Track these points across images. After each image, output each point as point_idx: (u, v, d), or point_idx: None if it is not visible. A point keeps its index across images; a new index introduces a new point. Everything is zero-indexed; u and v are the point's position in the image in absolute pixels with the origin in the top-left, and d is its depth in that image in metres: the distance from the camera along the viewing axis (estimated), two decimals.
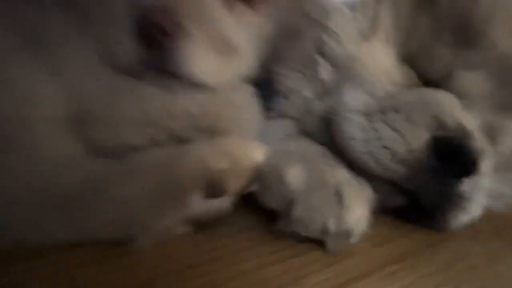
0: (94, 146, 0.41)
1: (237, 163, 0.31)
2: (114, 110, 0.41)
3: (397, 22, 0.37)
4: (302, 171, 0.32)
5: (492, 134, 0.37)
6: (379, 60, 0.37)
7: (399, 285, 0.26)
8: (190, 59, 0.39)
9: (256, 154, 0.32)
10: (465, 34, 0.35)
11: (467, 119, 0.34)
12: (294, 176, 0.32)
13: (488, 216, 0.34)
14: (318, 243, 0.30)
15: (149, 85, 0.41)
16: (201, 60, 0.40)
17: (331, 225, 0.29)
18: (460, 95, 0.36)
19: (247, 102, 0.47)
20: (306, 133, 0.43)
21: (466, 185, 0.31)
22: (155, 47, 0.37)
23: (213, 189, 0.30)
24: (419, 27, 0.37)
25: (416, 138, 0.31)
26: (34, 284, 0.25)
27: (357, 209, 0.30)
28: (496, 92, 0.36)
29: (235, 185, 0.31)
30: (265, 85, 0.49)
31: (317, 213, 0.29)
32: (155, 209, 0.29)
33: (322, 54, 0.39)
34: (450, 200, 0.31)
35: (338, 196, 0.30)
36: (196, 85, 0.43)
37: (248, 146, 0.33)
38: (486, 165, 0.33)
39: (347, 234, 0.29)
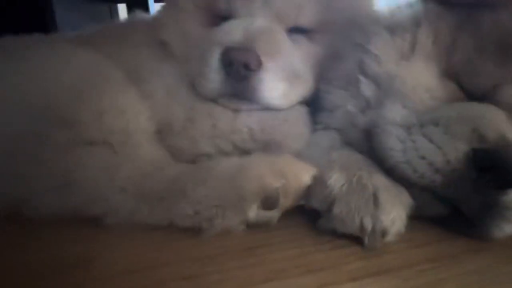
0: (175, 153, 0.53)
1: (289, 183, 0.37)
2: (191, 125, 0.53)
3: (437, 42, 0.40)
4: (343, 176, 0.37)
5: None
6: (419, 77, 0.40)
7: (426, 280, 0.28)
8: (266, 88, 0.49)
9: (305, 176, 0.38)
10: (510, 49, 0.36)
11: None
12: (336, 180, 0.37)
13: None
14: (356, 240, 0.34)
15: (218, 106, 0.52)
16: (274, 88, 0.50)
17: (367, 223, 0.33)
18: (508, 109, 0.37)
19: (298, 118, 0.54)
20: (349, 144, 0.47)
21: (509, 196, 0.32)
22: (239, 79, 0.47)
23: (268, 203, 0.37)
24: (461, 45, 0.39)
25: (454, 150, 0.34)
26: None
27: (392, 211, 0.33)
28: None
29: (286, 201, 0.38)
30: (313, 101, 0.55)
31: (355, 212, 0.34)
32: (221, 210, 0.36)
33: (364, 73, 0.44)
34: (492, 210, 0.32)
35: (375, 198, 0.34)
36: (267, 108, 0.51)
37: (299, 167, 0.39)
38: None
39: (382, 232, 0.33)
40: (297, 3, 0.50)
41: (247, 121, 0.52)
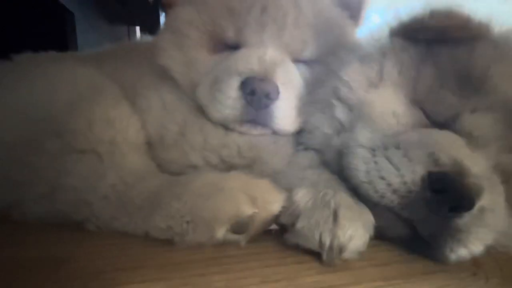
0: (165, 164, 0.56)
1: (260, 212, 0.38)
2: (182, 138, 0.56)
3: (403, 72, 0.43)
4: (309, 193, 0.39)
5: (508, 175, 0.38)
6: (387, 103, 0.43)
7: None
8: (282, 115, 0.52)
9: (276, 206, 0.39)
10: (468, 81, 0.39)
11: (471, 158, 0.36)
12: (302, 197, 0.39)
13: (493, 253, 0.34)
14: (317, 255, 0.35)
15: (210, 122, 0.55)
16: (288, 115, 0.52)
17: (325, 238, 0.34)
18: (468, 136, 0.39)
19: (286, 140, 0.57)
20: (326, 164, 0.50)
21: (462, 219, 0.33)
22: (260, 108, 0.49)
23: (238, 228, 0.38)
24: (424, 76, 0.42)
25: (411, 172, 0.35)
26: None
27: (350, 228, 0.35)
28: (506, 135, 0.37)
29: (254, 228, 0.39)
30: None
31: (316, 228, 0.35)
32: (192, 226, 0.38)
33: (338, 98, 0.47)
34: (446, 232, 0.34)
35: (335, 215, 0.36)
36: (277, 132, 0.54)
37: (272, 196, 0.40)
38: (490, 201, 0.34)
39: (339, 248, 0.34)
40: (303, 39, 0.54)
41: (237, 138, 0.55)
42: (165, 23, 0.59)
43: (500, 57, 0.37)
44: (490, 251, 0.35)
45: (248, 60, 0.51)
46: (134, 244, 0.40)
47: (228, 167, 0.56)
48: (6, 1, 1.27)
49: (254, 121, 0.52)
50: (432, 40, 0.42)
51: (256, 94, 0.49)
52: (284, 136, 0.55)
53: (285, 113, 0.52)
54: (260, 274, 0.33)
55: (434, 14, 0.40)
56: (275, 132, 0.54)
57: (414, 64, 0.43)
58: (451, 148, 0.36)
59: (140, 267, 0.35)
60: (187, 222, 0.39)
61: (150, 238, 0.40)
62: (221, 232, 0.38)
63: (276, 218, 0.40)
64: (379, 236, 0.38)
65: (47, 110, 0.49)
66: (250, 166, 0.56)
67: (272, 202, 0.39)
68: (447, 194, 0.33)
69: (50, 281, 0.32)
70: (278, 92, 0.50)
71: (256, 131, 0.54)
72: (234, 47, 0.55)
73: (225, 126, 0.54)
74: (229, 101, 0.50)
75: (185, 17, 0.56)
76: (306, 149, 0.55)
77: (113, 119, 0.50)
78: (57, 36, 1.56)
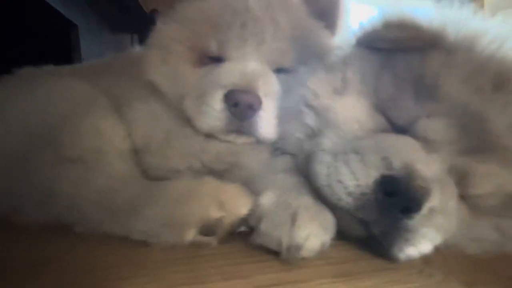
0: (150, 170, 0.60)
1: (227, 216, 0.41)
2: (167, 145, 0.60)
3: (364, 80, 0.45)
4: (273, 196, 0.42)
5: (462, 177, 0.40)
6: (350, 110, 0.45)
7: None
8: (264, 124, 0.54)
9: (243, 209, 0.42)
10: (423, 88, 0.41)
11: (424, 161, 0.38)
12: (266, 199, 0.42)
13: (443, 251, 0.36)
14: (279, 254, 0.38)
15: (192, 129, 0.58)
16: (270, 124, 0.55)
17: (284, 238, 0.37)
18: (424, 140, 0.41)
19: (260, 144, 0.59)
20: (299, 167, 0.52)
21: (411, 220, 0.35)
22: (243, 118, 0.52)
23: (206, 231, 0.41)
24: (384, 83, 0.44)
25: (365, 176, 0.38)
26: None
27: (307, 229, 0.37)
28: (460, 138, 0.39)
29: (222, 231, 0.42)
30: None
31: (275, 229, 0.38)
32: (166, 229, 0.41)
33: (306, 105, 0.50)
34: (394, 232, 0.36)
35: (293, 216, 0.38)
36: (261, 141, 0.56)
37: (240, 201, 0.43)
38: (440, 203, 0.36)
39: (296, 247, 0.37)
40: (282, 49, 0.57)
41: (217, 144, 0.59)
42: (151, 40, 0.62)
43: (450, 64, 0.39)
44: (440, 249, 0.37)
45: (231, 74, 0.54)
46: (118, 244, 0.43)
47: (209, 171, 0.59)
48: (12, 16, 1.34)
49: (239, 131, 0.55)
50: (390, 48, 0.44)
51: (239, 105, 0.52)
52: (262, 143, 0.58)
53: (268, 122, 0.54)
54: (223, 272, 0.36)
55: (387, 25, 0.42)
56: (259, 140, 0.57)
57: (374, 72, 0.45)
58: (405, 152, 0.38)
59: (123, 265, 0.38)
60: (162, 225, 0.42)
61: (131, 239, 0.44)
62: (191, 234, 0.41)
63: (243, 221, 0.43)
64: (343, 236, 0.41)
65: (42, 123, 0.53)
66: (229, 170, 0.60)
67: (240, 206, 0.42)
68: (396, 197, 0.35)
69: (39, 280, 0.36)
70: (260, 103, 0.53)
71: (241, 140, 0.57)
72: (218, 60, 0.58)
73: (212, 136, 0.57)
74: (214, 113, 0.53)
75: (170, 34, 0.59)
76: (282, 154, 0.57)
77: (100, 129, 0.54)
78: (62, 48, 1.63)
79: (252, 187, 0.47)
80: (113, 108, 0.60)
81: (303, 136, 0.51)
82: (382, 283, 0.33)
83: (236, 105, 0.51)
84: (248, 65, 0.55)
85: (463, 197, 0.42)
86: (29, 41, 1.35)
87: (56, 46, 1.54)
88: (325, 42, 0.60)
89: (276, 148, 0.58)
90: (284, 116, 0.56)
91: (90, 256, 0.41)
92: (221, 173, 0.60)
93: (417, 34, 0.41)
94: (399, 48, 0.42)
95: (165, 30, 0.60)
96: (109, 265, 0.38)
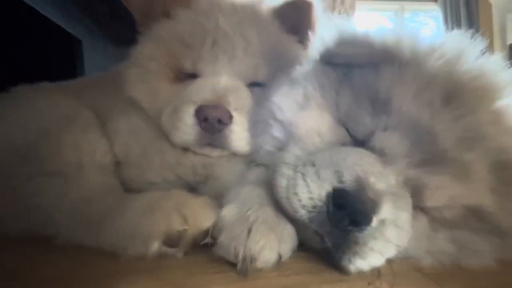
0: (128, 182, 0.62)
1: (190, 228, 0.43)
2: (144, 158, 0.62)
3: (324, 95, 0.47)
4: (235, 209, 0.43)
5: (417, 189, 0.40)
6: (312, 123, 0.46)
7: None
8: (236, 138, 0.57)
9: (206, 223, 0.44)
10: (378, 102, 0.42)
11: (378, 174, 0.39)
12: (227, 212, 0.43)
13: (392, 265, 0.37)
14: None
15: (168, 143, 0.61)
16: (242, 137, 0.57)
17: (239, 251, 0.38)
18: (381, 153, 0.41)
19: (234, 157, 0.61)
20: (270, 179, 0.53)
21: (361, 232, 0.36)
22: (213, 132, 0.55)
23: (170, 242, 0.43)
24: (343, 98, 0.45)
25: (318, 188, 0.39)
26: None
27: (261, 241, 0.38)
28: (413, 151, 0.40)
29: (187, 242, 0.43)
30: None
31: (232, 241, 0.39)
32: (133, 241, 0.43)
33: (274, 119, 0.51)
34: (344, 244, 0.36)
35: (249, 229, 0.39)
36: (235, 153, 0.59)
37: (204, 214, 0.44)
38: (393, 215, 0.37)
39: (251, 259, 0.38)
40: (254, 64, 0.59)
41: (192, 157, 0.61)
42: (130, 58, 0.65)
43: (402, 79, 0.40)
44: (392, 261, 0.37)
45: (202, 90, 0.57)
46: (85, 255, 0.45)
47: (185, 183, 0.61)
48: (19, 34, 1.41)
49: (211, 144, 0.57)
50: (347, 64, 0.45)
51: (209, 120, 0.54)
52: (236, 155, 0.60)
53: (240, 135, 0.56)
54: (177, 283, 0.37)
55: (340, 43, 0.44)
56: (233, 153, 0.59)
57: (334, 87, 0.46)
58: (358, 165, 0.39)
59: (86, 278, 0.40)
60: (129, 237, 0.44)
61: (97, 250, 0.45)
62: (155, 246, 0.42)
63: (207, 233, 0.44)
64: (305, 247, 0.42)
65: (24, 137, 0.56)
66: (204, 182, 0.61)
67: (203, 219, 0.44)
68: (346, 209, 0.36)
69: None
70: (230, 117, 0.55)
71: (216, 153, 0.59)
72: (192, 76, 0.60)
73: (187, 149, 0.59)
74: (186, 128, 0.56)
75: (146, 52, 0.63)
76: (257, 165, 0.59)
77: (80, 143, 0.57)
78: (66, 63, 1.70)
79: (223, 199, 0.48)
80: (97, 123, 0.63)
81: (272, 149, 0.53)
82: None
83: (206, 119, 0.54)
84: (220, 81, 0.58)
85: (423, 210, 0.42)
86: (35, 57, 1.42)
87: (61, 61, 1.61)
88: (298, 56, 0.62)
89: (251, 160, 0.60)
90: (256, 129, 0.57)
91: (55, 268, 0.42)
92: (196, 185, 0.62)
93: (369, 50, 0.42)
94: (355, 64, 0.44)
95: (142, 49, 0.63)
96: (78, 276, 0.40)
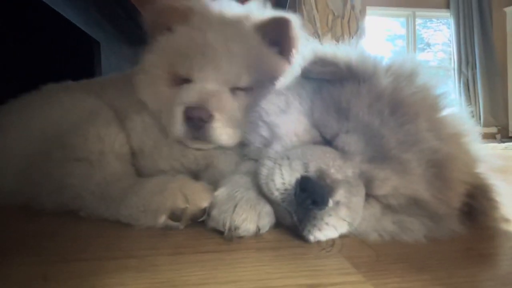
0: (142, 169, 0.75)
1: (191, 206, 0.54)
2: (155, 150, 0.74)
3: (302, 103, 0.57)
4: (226, 190, 0.54)
5: (369, 180, 0.51)
6: (291, 125, 0.57)
7: (247, 264, 0.42)
8: (217, 133, 0.69)
9: (204, 203, 0.55)
10: (341, 110, 0.52)
11: (337, 167, 0.49)
12: (219, 193, 0.54)
13: (344, 239, 0.47)
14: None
15: (176, 141, 0.73)
16: (223, 133, 0.70)
17: (226, 221, 0.49)
18: (342, 151, 0.52)
19: (229, 151, 0.73)
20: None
21: (320, 210, 0.47)
22: (197, 128, 0.67)
23: (174, 217, 0.54)
24: (316, 105, 0.56)
25: (289, 176, 0.49)
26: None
27: (244, 214, 0.49)
28: (366, 149, 0.50)
29: (188, 217, 0.55)
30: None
31: (221, 214, 0.51)
32: (144, 214, 0.55)
33: (261, 120, 0.62)
34: (306, 219, 0.47)
35: (235, 205, 0.50)
36: (220, 146, 0.72)
37: (202, 195, 0.56)
38: (346, 198, 0.48)
39: (235, 228, 0.49)
40: (238, 71, 0.71)
41: (194, 150, 0.73)
42: (139, 65, 0.78)
43: (359, 93, 0.51)
44: (346, 236, 0.48)
45: (189, 93, 0.69)
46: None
47: (188, 171, 0.73)
48: (43, 36, 1.57)
49: (197, 138, 0.69)
50: (319, 78, 0.56)
51: (192, 119, 0.67)
52: (231, 149, 0.72)
53: (221, 130, 0.68)
54: (180, 244, 0.49)
55: (313, 62, 0.55)
56: (220, 146, 0.71)
57: (309, 96, 0.57)
58: (321, 159, 0.50)
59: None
60: (141, 211, 0.56)
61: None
62: (162, 219, 0.54)
63: (204, 212, 0.55)
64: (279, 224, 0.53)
65: (56, 129, 0.70)
66: (204, 171, 0.73)
67: (201, 200, 0.55)
68: (309, 192, 0.47)
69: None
70: (210, 116, 0.67)
71: (204, 145, 0.71)
72: (187, 81, 0.72)
73: (181, 142, 0.72)
74: (176, 125, 0.69)
75: (151, 61, 0.75)
76: (248, 159, 0.70)
77: (103, 136, 0.70)
78: (85, 64, 1.85)
79: (218, 184, 0.60)
80: (116, 118, 0.76)
81: (260, 145, 0.64)
82: (291, 253, 0.45)
83: (190, 118, 0.66)
84: (205, 86, 0.70)
85: (375, 198, 0.53)
86: (58, 58, 1.57)
87: (80, 62, 1.76)
88: (278, 66, 0.73)
89: (243, 154, 0.71)
90: (246, 128, 0.69)
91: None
92: (198, 173, 0.74)
93: (334, 69, 0.53)
94: (324, 79, 0.55)
95: (148, 58, 0.76)
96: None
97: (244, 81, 0.71)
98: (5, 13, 1.31)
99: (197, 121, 0.67)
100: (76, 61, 1.73)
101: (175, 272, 0.38)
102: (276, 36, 0.74)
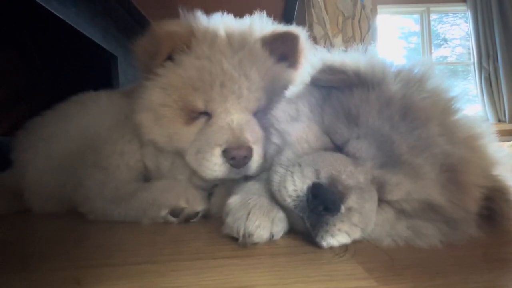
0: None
1: (189, 207, 0.65)
2: (173, 167, 0.77)
3: (312, 110, 0.59)
4: (239, 197, 0.56)
5: (381, 186, 0.51)
6: (302, 133, 0.58)
7: (262, 269, 0.43)
8: (255, 165, 0.66)
9: (199, 207, 0.66)
10: (351, 116, 0.53)
11: (349, 173, 0.50)
12: (233, 200, 0.56)
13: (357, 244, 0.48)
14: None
15: (176, 156, 0.75)
16: (259, 162, 0.67)
17: (240, 228, 0.51)
18: (353, 157, 0.53)
19: None
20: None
21: (333, 216, 0.47)
22: (240, 165, 0.64)
23: (174, 213, 0.64)
24: (326, 112, 0.57)
25: (301, 183, 0.51)
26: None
27: (257, 221, 0.51)
28: (377, 155, 0.51)
29: (185, 216, 0.64)
30: None
31: (236, 221, 0.52)
32: (150, 207, 0.64)
33: (273, 128, 0.64)
34: (318, 225, 0.48)
35: (249, 213, 0.52)
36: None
37: (198, 201, 0.67)
38: (358, 204, 0.48)
39: (249, 235, 0.50)
40: (257, 95, 0.69)
41: None
42: (139, 103, 0.71)
43: (368, 99, 0.51)
44: (359, 242, 0.48)
45: (222, 132, 0.66)
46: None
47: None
48: (64, 51, 1.66)
49: (238, 174, 0.67)
50: (328, 86, 0.57)
51: (236, 159, 0.64)
52: None
53: (259, 160, 0.67)
54: (198, 249, 0.51)
55: (322, 70, 0.56)
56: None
57: (319, 104, 0.58)
58: (333, 166, 0.51)
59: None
60: (149, 204, 0.65)
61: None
62: (164, 212, 0.64)
63: (197, 214, 0.65)
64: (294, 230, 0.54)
65: (87, 135, 0.77)
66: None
67: (198, 204, 0.65)
68: (320, 198, 0.48)
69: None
70: (251, 152, 0.65)
71: (238, 176, 0.68)
72: (205, 113, 0.69)
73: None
74: (216, 166, 0.66)
75: (158, 100, 0.69)
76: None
77: (124, 152, 0.76)
78: (104, 76, 1.95)
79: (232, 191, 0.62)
80: (137, 134, 0.76)
81: (273, 152, 0.65)
82: (305, 259, 0.46)
83: (233, 158, 0.64)
84: (233, 119, 0.67)
85: (388, 203, 0.53)
86: (78, 71, 1.66)
87: (99, 75, 1.85)
88: (290, 79, 0.72)
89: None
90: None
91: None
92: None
93: (343, 77, 0.54)
94: (333, 86, 0.56)
95: (152, 96, 0.69)
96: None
97: (263, 104, 0.70)
98: (32, 33, 1.41)
99: (241, 160, 0.65)
100: (95, 74, 1.83)
101: (194, 277, 0.41)
102: (284, 51, 0.74)
